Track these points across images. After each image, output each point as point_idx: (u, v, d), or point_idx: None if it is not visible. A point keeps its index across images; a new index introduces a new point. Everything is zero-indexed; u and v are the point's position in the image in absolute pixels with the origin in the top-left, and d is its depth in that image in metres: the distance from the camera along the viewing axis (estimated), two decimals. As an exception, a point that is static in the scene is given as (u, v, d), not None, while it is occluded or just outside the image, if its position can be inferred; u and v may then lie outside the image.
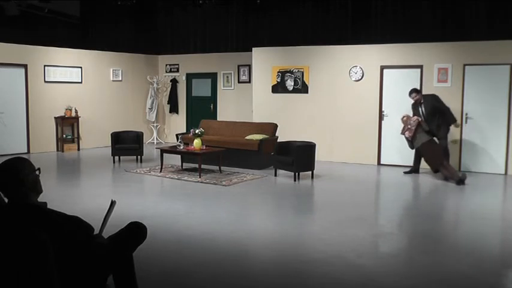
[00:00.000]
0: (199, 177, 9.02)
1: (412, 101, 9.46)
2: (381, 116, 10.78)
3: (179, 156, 10.18)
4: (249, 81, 13.49)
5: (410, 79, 10.39)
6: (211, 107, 14.52)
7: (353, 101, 10.99)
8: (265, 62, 12.09)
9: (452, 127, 9.44)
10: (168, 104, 15.19)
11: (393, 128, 10.53)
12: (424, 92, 10.25)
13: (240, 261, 4.90)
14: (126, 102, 14.37)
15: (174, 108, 15.09)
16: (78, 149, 12.90)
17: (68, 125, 12.81)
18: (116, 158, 10.95)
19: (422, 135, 9.07)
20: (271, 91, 11.99)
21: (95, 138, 13.39)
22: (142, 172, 9.66)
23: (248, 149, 10.06)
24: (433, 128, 9.23)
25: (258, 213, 7.11)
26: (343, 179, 9.03)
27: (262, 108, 12.01)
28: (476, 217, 6.66)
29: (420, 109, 9.38)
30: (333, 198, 7.96)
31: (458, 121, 9.62)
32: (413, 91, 9.49)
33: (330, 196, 8.20)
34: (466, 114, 9.99)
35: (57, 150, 12.65)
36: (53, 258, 2.52)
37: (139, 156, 11.03)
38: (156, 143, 14.54)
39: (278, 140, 10.21)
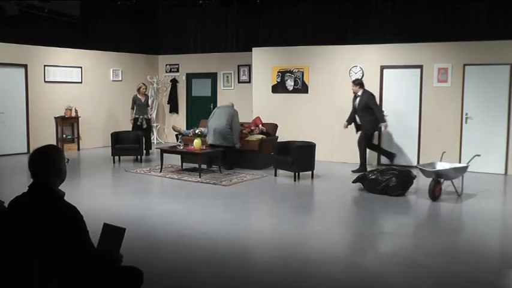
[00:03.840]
0: (199, 177, 9.02)
1: None
2: (380, 116, 10.78)
3: (179, 156, 10.18)
4: (249, 81, 13.49)
5: (410, 79, 10.40)
6: (211, 107, 14.51)
7: (353, 101, 10.98)
8: (265, 62, 12.09)
9: (383, 128, 9.72)
10: (168, 104, 15.20)
11: (393, 128, 10.54)
12: (424, 92, 10.30)
13: (240, 261, 4.90)
14: (126, 102, 14.34)
15: (174, 108, 15.10)
16: (78, 149, 12.89)
17: (68, 125, 12.82)
18: (116, 158, 10.95)
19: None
20: (271, 91, 11.99)
21: (95, 138, 13.40)
22: (142, 172, 9.66)
23: (248, 149, 10.05)
24: (364, 122, 9.67)
25: (258, 213, 7.11)
26: (343, 179, 9.03)
27: (262, 108, 12.00)
28: (476, 217, 6.66)
29: (356, 101, 9.81)
30: (333, 198, 7.96)
31: (456, 121, 9.65)
32: (352, 81, 9.98)
33: (330, 196, 8.20)
34: (466, 114, 9.99)
35: (57, 150, 12.64)
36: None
37: (139, 156, 11.04)
38: (156, 143, 14.54)
39: (278, 140, 10.21)
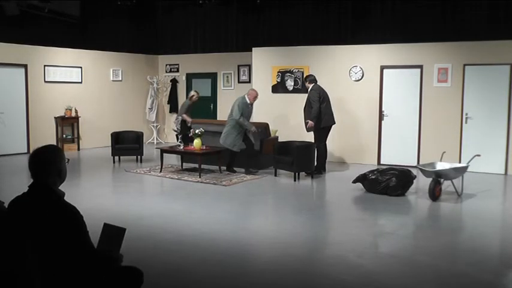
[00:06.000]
0: (199, 177, 9.02)
1: None
2: (380, 116, 10.78)
3: (179, 156, 10.17)
4: (249, 81, 13.49)
5: (411, 79, 10.40)
6: (211, 107, 14.51)
7: (353, 101, 10.99)
8: (265, 62, 12.09)
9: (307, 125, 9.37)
10: (168, 104, 15.20)
11: (393, 128, 10.54)
12: (424, 92, 10.30)
13: (240, 261, 4.90)
14: (126, 102, 14.37)
15: (174, 108, 15.09)
16: (78, 149, 12.89)
17: (68, 125, 12.82)
18: (116, 158, 10.94)
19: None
20: (271, 91, 11.99)
21: (95, 138, 13.39)
22: (142, 172, 9.65)
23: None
24: (307, 119, 9.29)
25: (258, 213, 7.11)
26: (343, 179, 9.02)
27: (262, 108, 12.00)
28: (476, 217, 6.66)
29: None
30: (333, 199, 7.97)
31: (456, 121, 9.66)
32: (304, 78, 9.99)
33: (330, 196, 8.21)
34: (466, 114, 9.99)
35: (57, 150, 12.64)
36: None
37: (139, 156, 11.04)
38: (156, 143, 14.55)
39: (278, 140, 10.21)
